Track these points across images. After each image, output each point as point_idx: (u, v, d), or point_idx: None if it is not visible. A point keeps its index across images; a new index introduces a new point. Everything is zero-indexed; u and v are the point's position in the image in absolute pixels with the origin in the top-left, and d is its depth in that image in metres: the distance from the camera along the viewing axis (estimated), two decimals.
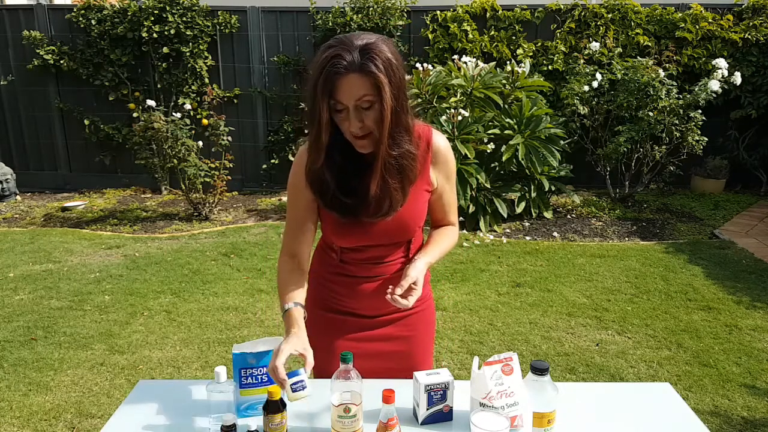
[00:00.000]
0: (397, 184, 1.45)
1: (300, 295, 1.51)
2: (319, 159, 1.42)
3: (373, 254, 1.56)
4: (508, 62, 6.13)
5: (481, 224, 5.60)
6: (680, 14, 6.67)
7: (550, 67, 6.79)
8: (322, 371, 1.61)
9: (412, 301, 1.43)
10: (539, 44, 6.85)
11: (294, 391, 1.32)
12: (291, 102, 7.16)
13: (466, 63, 5.74)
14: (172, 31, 6.81)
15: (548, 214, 6.02)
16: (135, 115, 6.35)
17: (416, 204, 1.54)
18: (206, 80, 7.10)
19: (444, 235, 1.65)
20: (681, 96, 5.97)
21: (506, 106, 5.84)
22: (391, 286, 1.45)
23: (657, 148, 6.18)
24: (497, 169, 5.73)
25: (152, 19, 6.80)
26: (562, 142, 5.90)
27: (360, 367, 1.38)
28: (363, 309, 1.61)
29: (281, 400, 1.33)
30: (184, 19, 6.86)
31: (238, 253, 5.09)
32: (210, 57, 7.09)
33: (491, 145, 5.57)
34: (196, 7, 6.91)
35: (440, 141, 1.55)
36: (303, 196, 1.53)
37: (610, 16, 6.72)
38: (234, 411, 1.39)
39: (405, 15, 6.92)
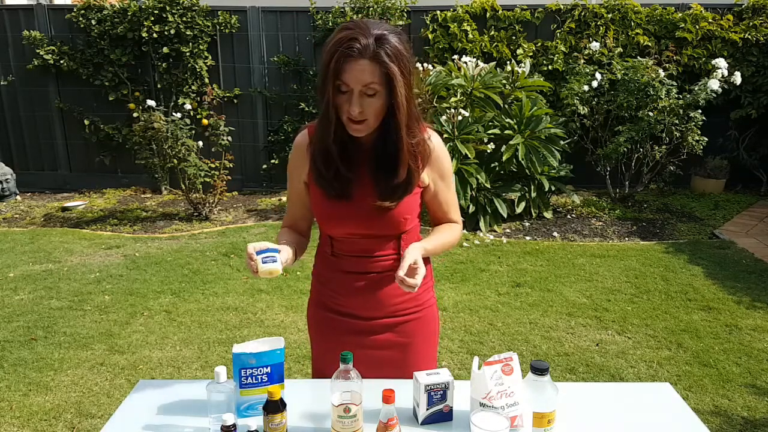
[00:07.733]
0: (416, 165, 1.53)
1: (290, 240, 1.61)
2: (328, 135, 1.46)
3: (363, 246, 1.57)
4: (508, 62, 6.13)
5: (481, 224, 5.60)
6: (680, 14, 6.66)
7: (550, 67, 6.78)
8: (322, 373, 1.62)
9: (418, 279, 1.43)
10: (539, 44, 6.85)
11: (264, 262, 1.36)
12: (291, 102, 7.16)
13: (466, 63, 5.74)
14: (172, 31, 6.80)
15: (548, 214, 6.02)
16: (135, 115, 6.35)
17: None
18: (206, 80, 7.10)
19: (444, 229, 1.66)
20: (681, 96, 5.97)
21: (506, 106, 5.84)
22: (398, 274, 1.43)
23: (657, 148, 6.18)
24: (497, 169, 5.73)
25: (152, 19, 6.80)
26: (562, 142, 5.90)
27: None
28: (358, 308, 1.62)
29: (281, 400, 1.33)
30: (184, 19, 6.86)
31: (238, 253, 5.09)
32: (210, 57, 7.09)
33: (491, 145, 5.57)
34: (196, 7, 6.90)
35: (433, 138, 1.58)
36: (295, 180, 1.62)
37: (610, 16, 6.72)
38: (234, 411, 1.39)
39: (405, 15, 6.91)
